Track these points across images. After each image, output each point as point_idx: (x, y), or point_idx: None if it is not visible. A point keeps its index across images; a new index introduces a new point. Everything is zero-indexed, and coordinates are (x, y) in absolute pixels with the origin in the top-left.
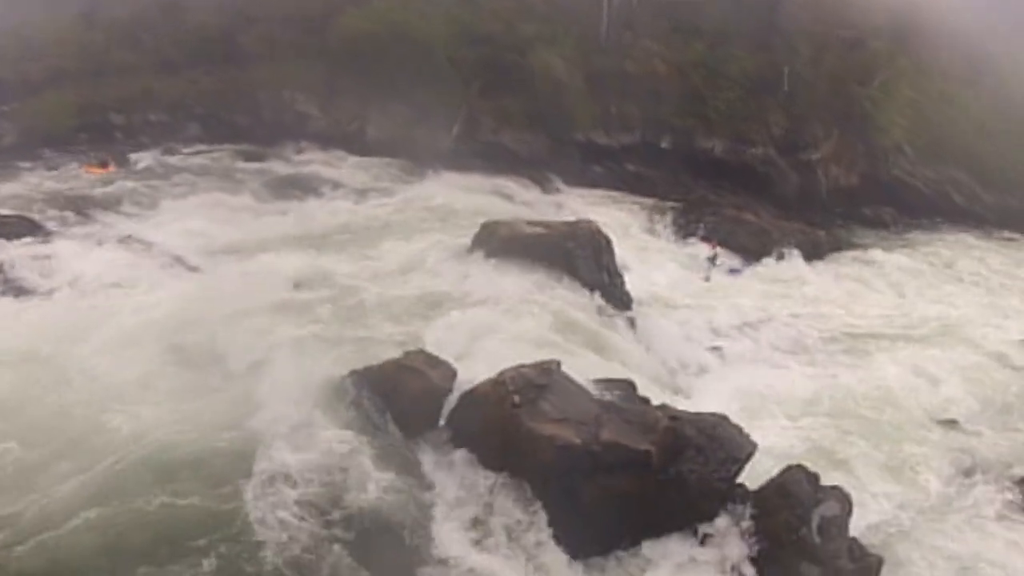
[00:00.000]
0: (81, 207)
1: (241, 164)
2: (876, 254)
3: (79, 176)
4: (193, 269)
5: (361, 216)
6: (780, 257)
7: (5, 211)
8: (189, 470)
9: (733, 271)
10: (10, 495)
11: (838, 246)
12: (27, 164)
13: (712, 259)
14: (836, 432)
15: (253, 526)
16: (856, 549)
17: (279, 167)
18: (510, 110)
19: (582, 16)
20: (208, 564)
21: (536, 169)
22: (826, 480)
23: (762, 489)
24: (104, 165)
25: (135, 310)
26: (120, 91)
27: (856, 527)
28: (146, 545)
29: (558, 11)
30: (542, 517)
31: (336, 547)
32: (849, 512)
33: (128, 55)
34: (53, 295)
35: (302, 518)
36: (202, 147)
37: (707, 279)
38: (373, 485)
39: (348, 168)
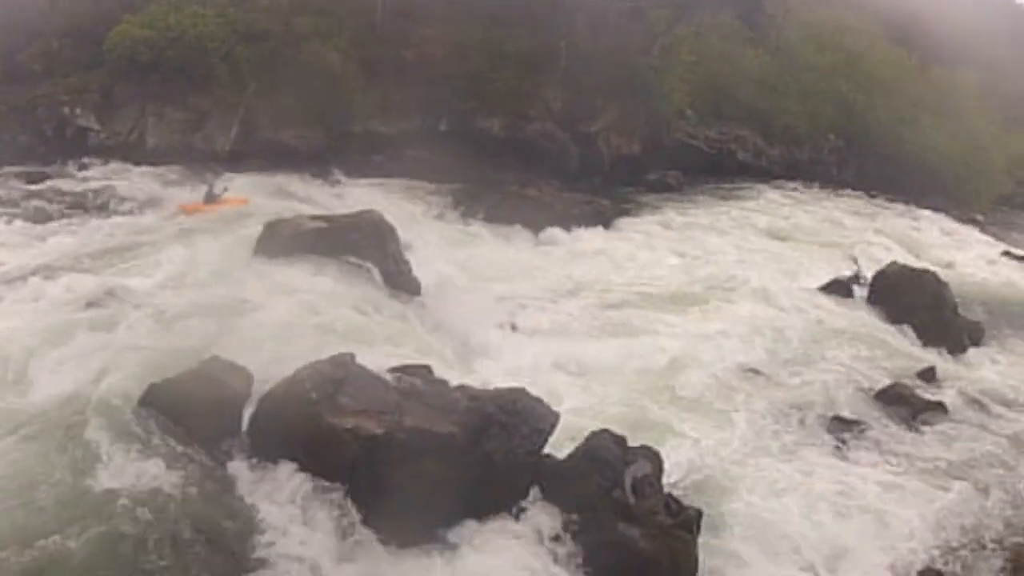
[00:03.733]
0: None
1: (24, 186)
2: (662, 217)
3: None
4: None
5: (145, 227)
6: (566, 229)
7: None
8: None
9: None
10: None
11: (624, 213)
12: None
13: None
14: (639, 394)
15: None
16: (673, 504)
17: (63, 185)
18: (288, 107)
19: (358, 7)
20: None
21: (317, 164)
22: (636, 440)
23: (570, 457)
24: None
25: None
26: None
27: (673, 482)
28: None
29: (334, 4)
30: (357, 511)
31: (148, 568)
32: (661, 469)
33: None
34: None
35: (119, 547)
36: None
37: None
38: (178, 502)
39: (130, 180)
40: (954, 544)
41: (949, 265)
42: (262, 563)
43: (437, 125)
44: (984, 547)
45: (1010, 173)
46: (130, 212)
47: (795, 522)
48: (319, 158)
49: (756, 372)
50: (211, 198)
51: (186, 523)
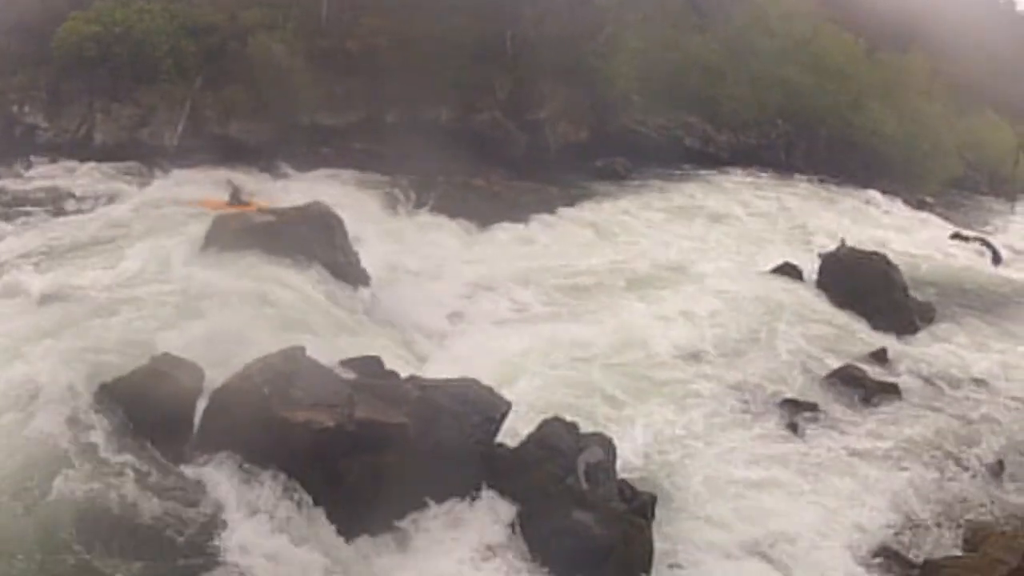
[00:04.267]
0: None
1: None
2: (611, 203)
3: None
4: None
5: (96, 225)
6: (514, 218)
7: None
8: None
9: None
10: None
11: (573, 200)
12: None
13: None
14: (591, 380)
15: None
16: (627, 490)
17: (11, 184)
18: (234, 100)
19: None
20: None
21: (264, 157)
22: (591, 424)
23: (523, 445)
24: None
25: None
26: None
27: (626, 468)
28: None
29: None
30: (312, 504)
31: (113, 567)
32: (614, 456)
33: None
34: None
35: (80, 545)
36: None
37: None
38: (140, 500)
39: (79, 177)
40: (910, 522)
41: (899, 247)
42: (219, 558)
43: (384, 116)
44: (940, 524)
45: (961, 156)
46: (79, 210)
47: (750, 502)
48: (266, 151)
49: (709, 354)
50: (236, 200)
51: (140, 521)
